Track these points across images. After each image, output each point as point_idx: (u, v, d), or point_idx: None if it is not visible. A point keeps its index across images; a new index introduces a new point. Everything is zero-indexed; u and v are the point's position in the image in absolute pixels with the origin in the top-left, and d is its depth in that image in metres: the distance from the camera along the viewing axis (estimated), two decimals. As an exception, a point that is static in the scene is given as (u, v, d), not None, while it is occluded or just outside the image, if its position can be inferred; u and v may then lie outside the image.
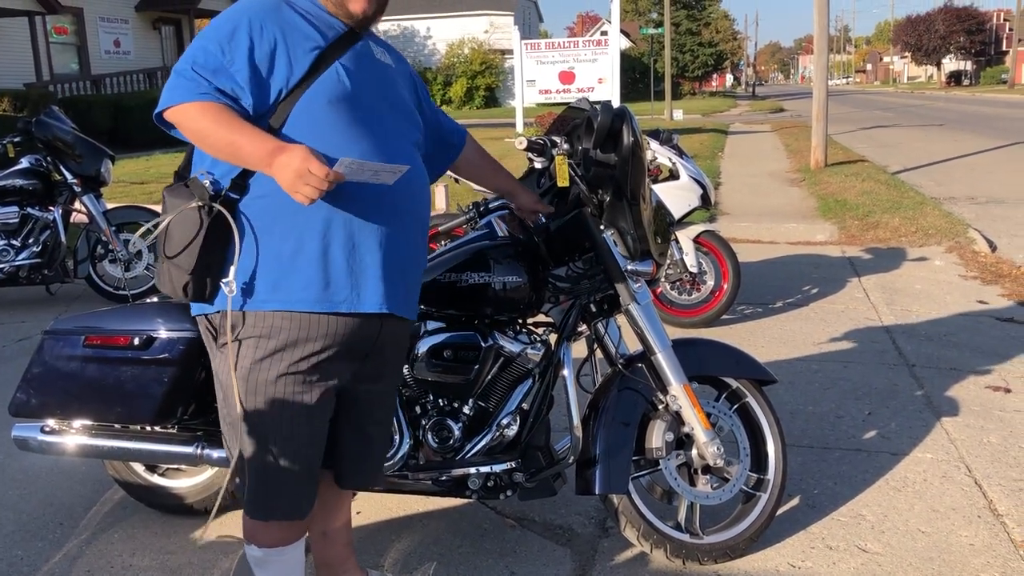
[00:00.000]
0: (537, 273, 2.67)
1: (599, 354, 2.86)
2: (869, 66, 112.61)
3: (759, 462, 2.80)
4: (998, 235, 8.22)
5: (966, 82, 75.43)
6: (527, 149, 2.56)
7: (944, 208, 9.36)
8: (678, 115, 26.54)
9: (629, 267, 2.61)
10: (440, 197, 7.80)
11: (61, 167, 6.12)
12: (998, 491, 3.16)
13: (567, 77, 16.62)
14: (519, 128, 20.67)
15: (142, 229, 6.16)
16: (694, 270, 5.18)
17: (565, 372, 2.64)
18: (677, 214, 5.12)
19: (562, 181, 2.52)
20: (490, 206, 2.81)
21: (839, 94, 65.13)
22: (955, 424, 3.79)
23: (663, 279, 5.27)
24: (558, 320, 2.76)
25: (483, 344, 2.65)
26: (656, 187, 5.17)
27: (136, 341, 2.68)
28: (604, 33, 20.27)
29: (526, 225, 2.75)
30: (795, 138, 18.93)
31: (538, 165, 2.66)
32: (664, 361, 2.65)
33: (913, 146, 17.61)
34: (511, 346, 2.69)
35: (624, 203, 2.56)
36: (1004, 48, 74.55)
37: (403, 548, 2.86)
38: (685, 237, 5.22)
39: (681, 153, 5.27)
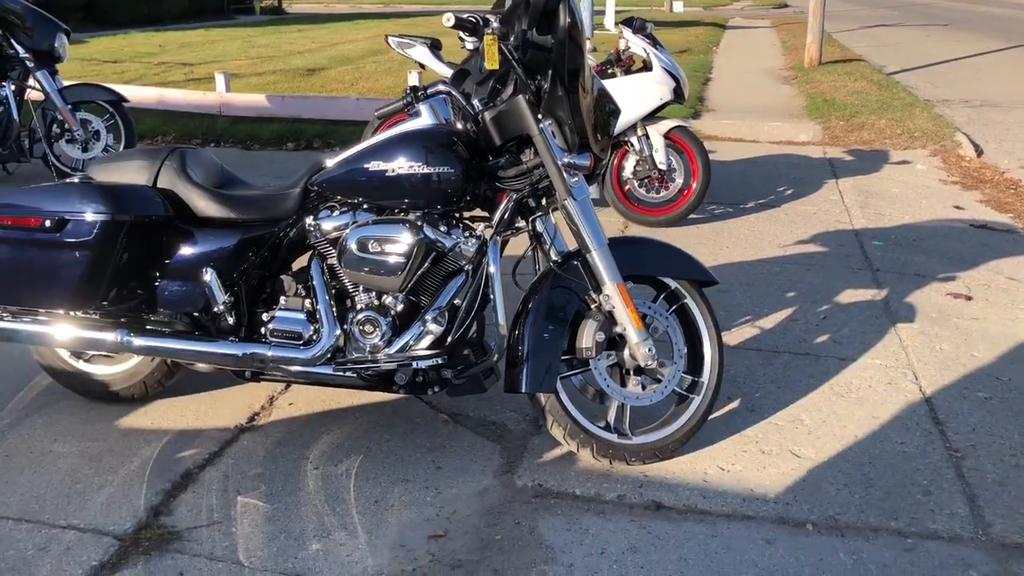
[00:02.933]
0: (471, 164, 2.54)
1: (538, 252, 2.76)
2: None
3: (695, 365, 2.74)
4: (986, 140, 8.03)
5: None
6: (456, 26, 2.39)
7: (935, 111, 9.13)
8: (678, 7, 25.70)
9: (565, 159, 2.48)
10: (413, 84, 7.55)
11: (12, 40, 5.85)
12: (942, 399, 3.12)
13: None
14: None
15: None
16: (663, 167, 5.03)
17: (491, 268, 2.54)
18: (648, 107, 4.94)
19: (490, 63, 2.36)
20: (428, 91, 2.66)
21: None
22: (909, 331, 3.73)
23: (631, 176, 5.12)
24: (493, 213, 2.64)
25: (413, 237, 2.54)
26: (627, 79, 4.98)
27: (48, 223, 2.56)
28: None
29: (467, 113, 2.60)
30: (793, 35, 18.38)
31: (470, 46, 2.50)
32: (599, 259, 2.55)
33: (913, 46, 17.13)
34: (443, 240, 2.59)
35: (562, 90, 2.41)
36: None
37: (331, 440, 2.82)
38: (656, 132, 5.05)
39: (655, 43, 5.04)
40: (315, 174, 2.67)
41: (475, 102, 2.60)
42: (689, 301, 2.73)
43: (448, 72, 5.19)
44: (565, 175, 2.49)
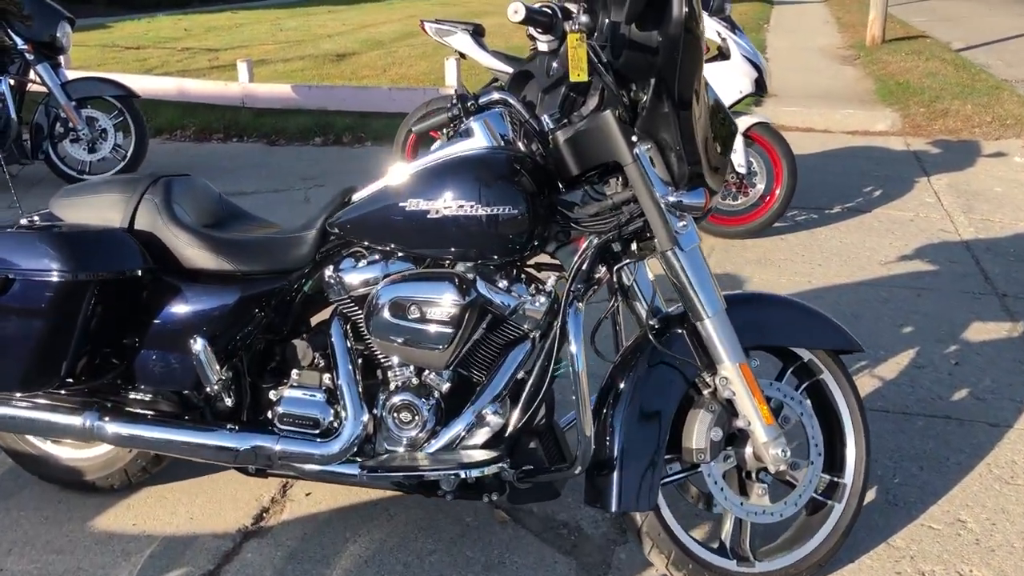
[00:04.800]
0: (540, 200, 1.90)
1: (620, 311, 2.12)
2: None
3: (833, 459, 2.09)
4: (1084, 127, 7.21)
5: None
6: (526, 21, 1.73)
7: (1022, 94, 8.29)
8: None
9: (671, 198, 1.83)
10: (451, 73, 6.90)
11: (8, 31, 5.28)
12: None
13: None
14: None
15: None
16: (742, 171, 4.33)
17: (571, 341, 1.89)
18: (728, 102, 4.24)
19: (576, 72, 1.70)
20: (480, 101, 2.01)
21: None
22: (1066, 382, 3.04)
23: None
24: (568, 264, 2.00)
25: (464, 298, 1.90)
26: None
27: (-14, 284, 1.96)
28: None
29: (532, 130, 1.96)
30: (847, 10, 17.41)
31: (544, 47, 1.84)
32: (714, 330, 1.89)
33: (977, 20, 16.09)
34: (502, 299, 1.95)
35: (669, 105, 1.76)
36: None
37: (359, 551, 2.20)
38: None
39: (734, 27, 4.34)
40: (336, 212, 2.05)
41: (544, 117, 1.95)
42: (827, 377, 2.07)
43: (493, 63, 4.54)
44: (669, 217, 1.83)
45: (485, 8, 17.57)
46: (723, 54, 4.29)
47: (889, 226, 4.76)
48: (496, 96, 2.03)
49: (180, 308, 2.10)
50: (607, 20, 1.77)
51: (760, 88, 4.32)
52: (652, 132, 1.82)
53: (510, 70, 4.51)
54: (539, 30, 1.76)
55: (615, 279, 2.04)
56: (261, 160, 6.51)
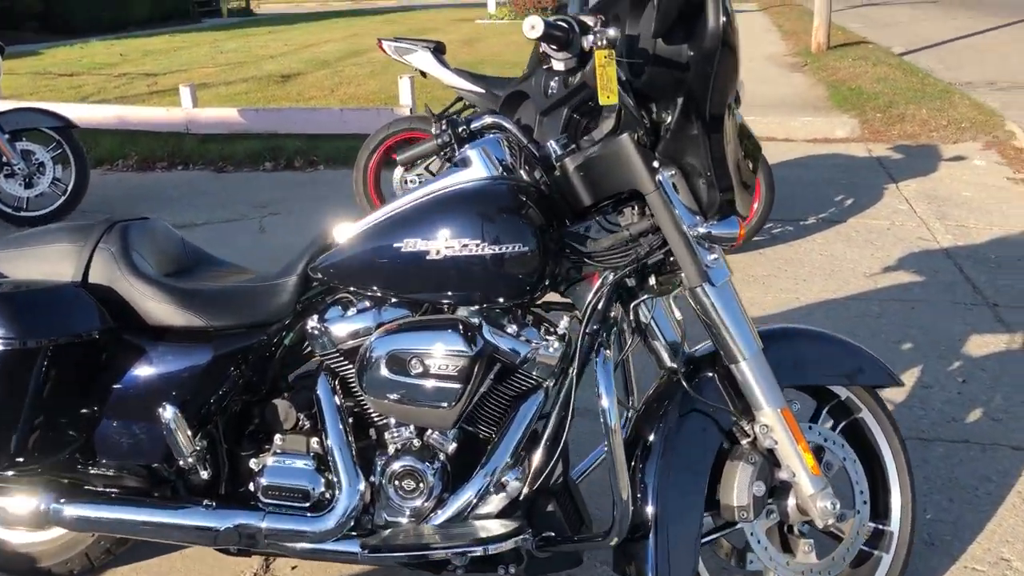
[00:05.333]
0: (549, 233, 1.71)
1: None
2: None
3: (876, 505, 1.91)
4: (1034, 127, 7.26)
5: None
6: (544, 38, 1.53)
7: (974, 97, 8.35)
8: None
9: (701, 229, 1.64)
10: (406, 92, 6.68)
11: (-68, 60, 4.94)
12: None
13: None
14: (491, 8, 19.13)
15: None
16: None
17: (603, 395, 1.69)
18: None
19: (607, 95, 1.50)
20: (472, 126, 1.81)
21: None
22: (1078, 395, 2.93)
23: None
24: (581, 302, 1.80)
25: (471, 348, 1.69)
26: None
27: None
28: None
29: (532, 156, 1.77)
30: (786, 18, 17.62)
31: (560, 65, 1.63)
32: (751, 373, 1.71)
33: (912, 26, 16.36)
34: (512, 346, 1.75)
35: (698, 127, 1.57)
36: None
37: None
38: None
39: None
40: (318, 255, 1.82)
41: (551, 143, 1.75)
42: (865, 415, 1.90)
43: (457, 81, 4.34)
44: (699, 250, 1.65)
45: (427, 25, 17.41)
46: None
47: (867, 236, 4.66)
48: (489, 120, 1.83)
49: (145, 371, 1.85)
50: (623, 33, 1.58)
51: (736, 99, 4.17)
52: (676, 157, 1.63)
53: (476, 88, 4.32)
54: (554, 47, 1.56)
55: (631, 317, 1.85)
56: (209, 188, 6.21)
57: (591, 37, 1.50)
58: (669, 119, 1.61)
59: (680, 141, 1.61)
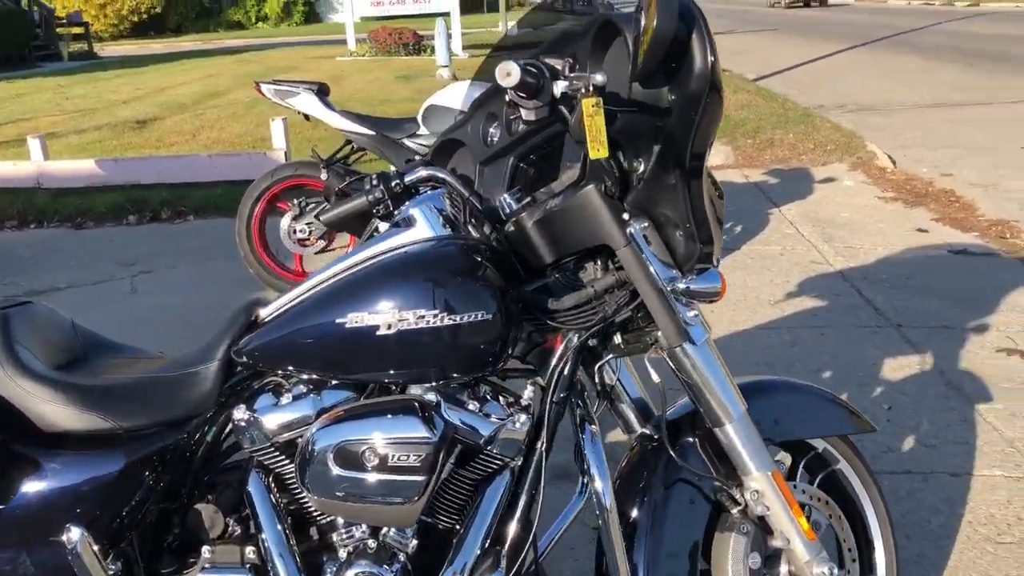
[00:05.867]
0: (509, 295, 1.54)
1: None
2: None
3: (861, 561, 1.82)
4: (890, 147, 7.64)
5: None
6: (520, 87, 1.36)
7: (831, 119, 8.73)
8: (515, 29, 25.22)
9: (681, 284, 1.51)
10: (278, 135, 6.38)
11: None
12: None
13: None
14: (351, 45, 18.85)
15: None
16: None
17: (595, 476, 1.52)
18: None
19: (597, 148, 1.33)
20: (407, 180, 1.63)
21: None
22: (997, 414, 2.97)
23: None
24: (544, 367, 1.64)
25: (431, 432, 1.49)
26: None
27: None
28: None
29: (476, 210, 1.61)
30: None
31: (531, 115, 1.45)
32: (737, 436, 1.58)
33: (759, 53, 17.15)
34: (476, 424, 1.56)
35: (677, 176, 1.44)
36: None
37: None
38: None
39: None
40: (241, 336, 1.59)
41: (505, 196, 1.60)
42: (844, 466, 1.81)
43: (346, 124, 4.13)
44: (678, 307, 1.51)
45: (284, 64, 16.97)
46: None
47: (762, 262, 4.70)
48: (425, 173, 1.65)
49: (41, 487, 1.56)
50: (593, 78, 1.43)
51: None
52: (649, 207, 1.50)
53: (364, 130, 4.11)
54: (523, 95, 1.39)
55: (596, 380, 1.70)
56: (68, 247, 5.71)
57: (564, 83, 1.34)
58: (641, 167, 1.47)
59: (654, 191, 1.47)
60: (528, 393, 1.62)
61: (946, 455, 2.73)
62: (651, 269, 1.49)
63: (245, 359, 1.57)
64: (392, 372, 1.52)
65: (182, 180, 6.67)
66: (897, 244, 4.95)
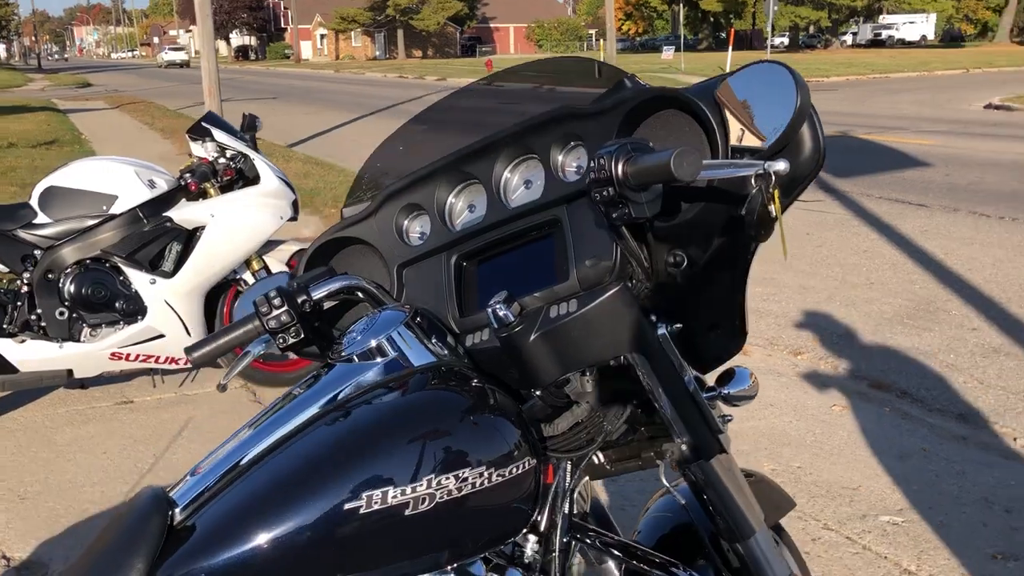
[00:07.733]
0: (529, 428, 1.26)
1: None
2: (156, 39, 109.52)
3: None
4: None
5: (253, 56, 78.91)
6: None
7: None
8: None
9: (724, 391, 1.34)
10: None
11: None
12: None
13: None
14: None
15: None
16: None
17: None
18: (267, 233, 3.62)
19: (785, 250, 1.10)
20: (315, 295, 1.26)
21: (126, 68, 62.85)
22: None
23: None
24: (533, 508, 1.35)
25: None
26: (232, 197, 3.56)
27: None
28: None
29: (436, 325, 1.29)
30: (152, 116, 16.99)
31: (639, 210, 1.12)
32: (760, 551, 1.44)
33: (271, 119, 17.12)
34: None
35: (728, 278, 1.27)
36: (283, 25, 79.26)
37: None
38: (277, 262, 3.73)
39: (256, 145, 3.72)
40: (167, 552, 1.04)
41: (498, 306, 1.26)
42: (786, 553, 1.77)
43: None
44: (711, 416, 1.35)
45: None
46: (250, 178, 3.64)
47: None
48: (338, 285, 1.29)
49: None
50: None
51: (295, 212, 3.78)
52: (682, 306, 1.31)
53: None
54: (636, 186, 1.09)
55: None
56: None
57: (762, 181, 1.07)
58: (683, 262, 1.27)
59: (696, 286, 1.28)
60: (531, 547, 1.32)
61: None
62: (685, 377, 1.30)
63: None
64: (423, 558, 1.13)
65: None
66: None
